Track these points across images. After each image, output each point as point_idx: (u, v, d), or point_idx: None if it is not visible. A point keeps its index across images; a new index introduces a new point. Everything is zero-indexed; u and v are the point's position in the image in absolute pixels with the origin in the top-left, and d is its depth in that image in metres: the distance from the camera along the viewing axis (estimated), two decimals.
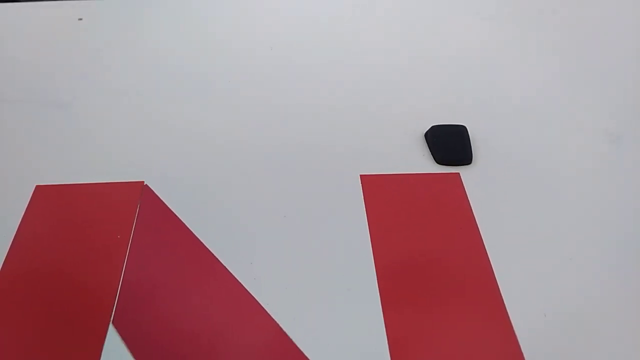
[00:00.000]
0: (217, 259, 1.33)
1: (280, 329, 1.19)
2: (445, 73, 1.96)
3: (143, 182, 1.51)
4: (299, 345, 1.17)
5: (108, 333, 1.18)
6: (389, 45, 2.09)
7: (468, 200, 1.48)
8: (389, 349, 1.16)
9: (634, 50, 2.08)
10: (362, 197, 1.49)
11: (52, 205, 1.46)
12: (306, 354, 1.15)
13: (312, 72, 1.95)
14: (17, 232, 1.38)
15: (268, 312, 1.22)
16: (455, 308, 1.24)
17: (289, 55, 2.02)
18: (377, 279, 1.29)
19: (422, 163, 1.59)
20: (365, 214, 1.44)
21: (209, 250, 1.34)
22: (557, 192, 1.51)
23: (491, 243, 1.38)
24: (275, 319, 1.21)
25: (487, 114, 1.77)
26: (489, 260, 1.33)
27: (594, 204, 1.48)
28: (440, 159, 1.58)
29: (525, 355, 1.15)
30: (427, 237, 1.39)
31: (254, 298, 1.25)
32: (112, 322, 1.20)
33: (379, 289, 1.27)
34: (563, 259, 1.35)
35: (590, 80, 1.92)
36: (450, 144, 1.61)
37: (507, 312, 1.22)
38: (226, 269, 1.31)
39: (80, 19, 2.17)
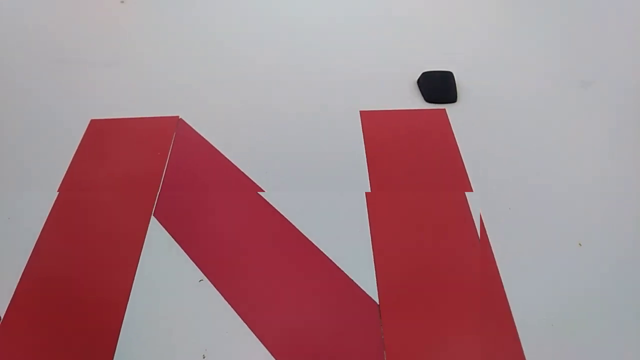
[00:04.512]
0: (239, 169, 1.62)
1: (290, 224, 1.48)
2: (438, 30, 2.22)
3: (178, 116, 1.81)
4: (303, 233, 1.45)
5: (150, 222, 1.47)
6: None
7: (452, 131, 1.73)
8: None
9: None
10: (361, 128, 1.75)
11: (102, 134, 1.78)
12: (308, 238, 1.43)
13: (324, 28, 2.25)
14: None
15: (278, 210, 1.51)
16: (430, 202, 1.50)
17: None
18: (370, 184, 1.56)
19: (414, 102, 1.85)
20: (363, 141, 1.71)
21: (234, 164, 1.64)
22: (532, 129, 1.75)
23: (471, 164, 1.63)
24: (285, 216, 1.49)
25: (472, 64, 2.02)
26: (468, 179, 1.58)
27: (571, 133, 1.72)
28: (428, 98, 1.84)
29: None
30: (413, 160, 1.65)
31: (266, 200, 1.54)
32: (154, 214, 1.49)
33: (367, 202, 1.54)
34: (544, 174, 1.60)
35: (566, 33, 2.17)
36: (437, 85, 1.86)
37: (482, 234, 1.47)
38: (245, 175, 1.60)
39: (122, 1, 2.53)
